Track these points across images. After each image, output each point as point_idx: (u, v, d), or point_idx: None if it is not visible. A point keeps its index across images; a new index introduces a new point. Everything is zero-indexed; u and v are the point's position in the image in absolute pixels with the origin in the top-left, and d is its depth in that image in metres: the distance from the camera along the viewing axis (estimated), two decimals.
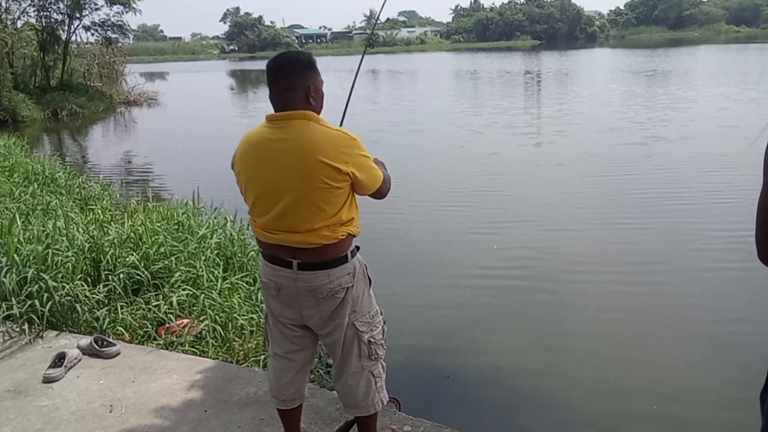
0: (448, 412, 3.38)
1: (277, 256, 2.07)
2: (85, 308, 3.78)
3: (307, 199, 1.95)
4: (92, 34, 23.77)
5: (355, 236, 2.10)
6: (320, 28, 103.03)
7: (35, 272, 3.82)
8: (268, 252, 2.12)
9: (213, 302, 3.90)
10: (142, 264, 4.23)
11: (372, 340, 2.18)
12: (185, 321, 3.75)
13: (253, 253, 4.72)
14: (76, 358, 3.21)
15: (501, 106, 17.79)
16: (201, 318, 3.80)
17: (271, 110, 2.04)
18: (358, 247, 2.15)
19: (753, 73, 26.14)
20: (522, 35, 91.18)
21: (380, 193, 2.16)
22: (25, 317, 3.61)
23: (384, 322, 2.28)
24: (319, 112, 2.03)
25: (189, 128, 16.46)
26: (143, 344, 3.57)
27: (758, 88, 19.63)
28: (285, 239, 2.02)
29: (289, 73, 2.00)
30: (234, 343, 3.61)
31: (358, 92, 24.26)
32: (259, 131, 2.03)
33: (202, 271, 4.24)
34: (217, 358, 3.40)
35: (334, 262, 2.04)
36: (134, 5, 23.10)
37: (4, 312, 3.61)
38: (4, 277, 3.79)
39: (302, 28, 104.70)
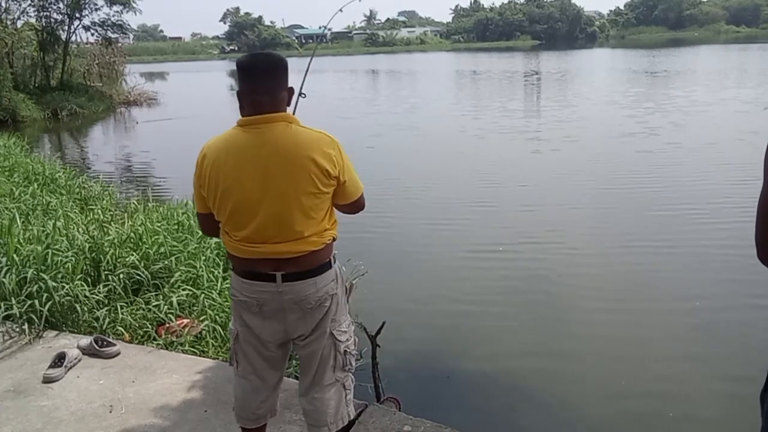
0: (448, 412, 3.38)
1: (258, 271, 1.95)
2: (85, 308, 3.79)
3: (298, 205, 1.88)
4: (92, 34, 23.78)
5: (335, 240, 2.04)
6: (320, 28, 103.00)
7: (35, 272, 3.83)
8: (245, 268, 1.98)
9: (213, 302, 3.90)
10: (142, 264, 4.23)
11: (347, 350, 2.10)
12: (185, 321, 3.75)
13: None
14: (76, 358, 3.21)
15: (506, 109, 17.32)
16: (201, 318, 3.80)
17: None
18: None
19: (765, 74, 25.66)
20: (522, 35, 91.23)
21: (359, 205, 2.08)
22: (25, 317, 3.61)
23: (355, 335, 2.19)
24: None
25: (189, 128, 16.45)
26: (143, 344, 3.57)
27: None
28: (269, 251, 1.91)
29: (272, 71, 1.92)
30: None
31: (357, 94, 24.22)
32: (235, 137, 1.92)
33: (202, 271, 4.24)
34: (217, 358, 3.40)
35: (319, 269, 1.96)
36: (134, 5, 23.09)
37: (3, 312, 3.61)
38: (4, 277, 3.80)
39: (302, 28, 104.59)
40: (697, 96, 18.30)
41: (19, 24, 21.77)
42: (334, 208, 2.03)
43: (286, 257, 1.92)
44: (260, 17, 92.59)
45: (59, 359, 3.14)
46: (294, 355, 2.18)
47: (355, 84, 30.65)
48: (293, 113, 2.67)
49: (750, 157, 9.32)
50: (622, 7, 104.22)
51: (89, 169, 11.42)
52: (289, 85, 1.99)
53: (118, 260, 4.26)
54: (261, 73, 1.92)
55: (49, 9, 21.71)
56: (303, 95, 3.11)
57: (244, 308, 2.04)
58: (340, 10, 3.97)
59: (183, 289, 4.04)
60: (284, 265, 1.93)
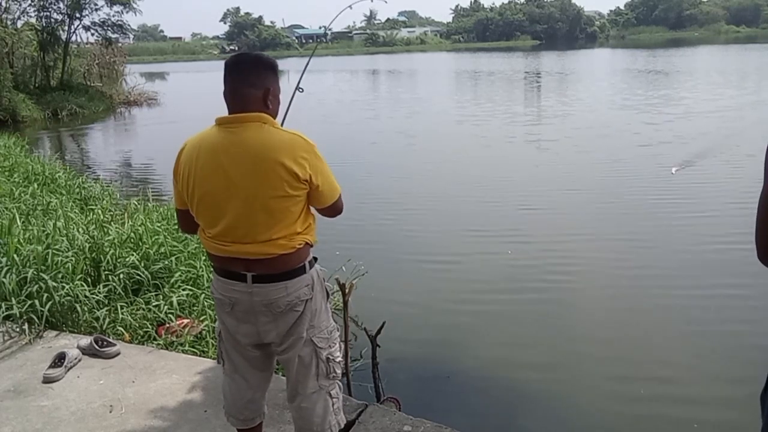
0: (448, 412, 3.38)
1: (230, 270, 1.95)
2: (85, 308, 3.78)
3: (264, 207, 1.85)
4: (92, 34, 23.79)
5: (311, 246, 2.00)
6: (320, 28, 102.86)
7: (35, 272, 3.83)
8: (219, 265, 1.99)
9: (213, 302, 3.89)
10: (142, 264, 4.23)
11: (330, 358, 2.06)
12: (185, 321, 3.75)
13: None
14: (76, 358, 3.21)
15: (512, 113, 16.59)
16: (201, 318, 3.80)
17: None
18: (315, 258, 2.04)
19: None
20: (522, 35, 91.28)
21: (336, 209, 2.03)
22: (25, 317, 3.61)
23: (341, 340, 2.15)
24: (274, 118, 1.94)
25: (189, 128, 16.41)
26: (143, 344, 3.57)
27: None
28: (238, 251, 1.90)
29: (251, 69, 1.90)
30: None
31: (356, 96, 24.10)
32: (210, 135, 1.91)
33: (202, 271, 4.25)
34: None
35: (291, 274, 1.93)
36: (134, 5, 23.09)
37: (4, 312, 3.61)
38: (4, 277, 3.79)
39: (302, 28, 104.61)
40: (724, 100, 16.69)
41: (19, 24, 21.79)
42: (310, 213, 1.99)
43: (256, 258, 1.91)
44: (260, 17, 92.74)
45: (59, 359, 3.14)
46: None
47: (354, 85, 30.59)
48: (287, 110, 2.66)
49: None
50: (622, 7, 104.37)
51: (89, 169, 11.42)
52: (274, 85, 1.94)
53: (118, 260, 4.26)
54: (243, 67, 1.91)
55: (49, 9, 21.74)
56: (300, 90, 3.23)
57: (219, 306, 2.07)
58: (350, 6, 3.90)
59: (183, 289, 4.04)
60: (255, 266, 1.92)
